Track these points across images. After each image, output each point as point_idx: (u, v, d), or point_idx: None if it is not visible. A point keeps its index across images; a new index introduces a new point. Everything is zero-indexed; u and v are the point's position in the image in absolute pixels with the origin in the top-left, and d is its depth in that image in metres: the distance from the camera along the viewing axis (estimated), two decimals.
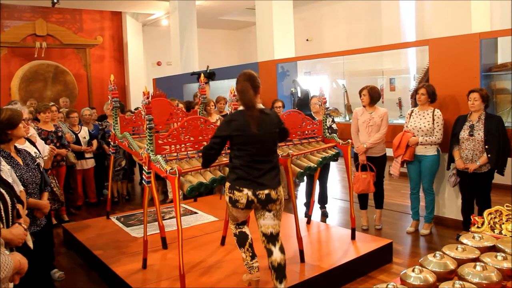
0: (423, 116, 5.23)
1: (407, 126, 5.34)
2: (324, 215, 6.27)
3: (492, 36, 5.13)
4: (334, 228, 5.47)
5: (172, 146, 3.84)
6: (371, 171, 5.45)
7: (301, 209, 6.27)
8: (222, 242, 4.70)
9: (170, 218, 5.73)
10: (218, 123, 5.32)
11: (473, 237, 2.36)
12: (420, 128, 5.18)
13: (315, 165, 4.26)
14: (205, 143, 3.94)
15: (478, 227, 2.63)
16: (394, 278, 4.15)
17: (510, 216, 2.54)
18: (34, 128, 5.58)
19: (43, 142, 5.05)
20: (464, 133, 4.93)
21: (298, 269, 4.04)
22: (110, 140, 5.62)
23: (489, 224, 2.59)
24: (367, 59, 8.11)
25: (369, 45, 7.36)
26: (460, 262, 2.10)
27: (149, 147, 3.79)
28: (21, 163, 3.38)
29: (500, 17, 6.40)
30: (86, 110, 7.67)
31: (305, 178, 6.27)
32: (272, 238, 3.48)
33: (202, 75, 5.46)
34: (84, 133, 7.12)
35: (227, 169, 3.73)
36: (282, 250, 3.48)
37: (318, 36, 12.41)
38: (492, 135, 4.74)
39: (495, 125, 4.76)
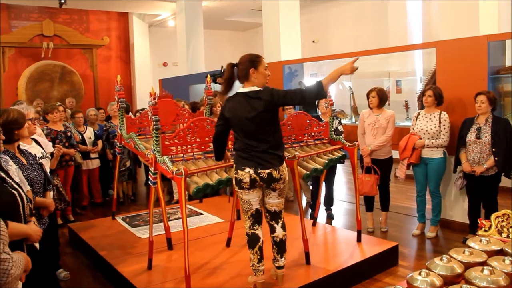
0: (430, 118, 5.21)
1: (413, 129, 5.33)
2: (330, 217, 6.26)
3: (500, 38, 5.11)
4: (339, 230, 5.46)
5: (179, 147, 3.85)
6: (375, 174, 5.43)
7: (307, 211, 6.27)
8: (228, 244, 4.70)
9: (175, 219, 5.73)
10: None
11: (480, 241, 2.34)
12: (426, 130, 5.16)
13: (322, 167, 4.25)
14: (211, 145, 3.95)
15: (485, 230, 2.61)
16: (400, 281, 4.16)
17: None
18: (41, 128, 5.59)
19: (45, 140, 5.06)
20: (471, 136, 4.90)
21: (303, 271, 4.02)
22: (116, 140, 5.63)
23: (496, 227, 2.57)
24: (373, 61, 8.10)
25: (376, 47, 7.34)
26: (467, 266, 2.09)
27: (156, 148, 3.79)
28: (26, 163, 3.40)
29: (508, 19, 6.37)
30: (92, 111, 7.69)
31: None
32: (275, 216, 3.66)
33: (209, 76, 5.46)
34: (89, 133, 7.13)
35: (233, 170, 3.74)
36: (283, 227, 3.68)
37: (324, 38, 12.40)
38: (499, 138, 4.71)
39: (503, 128, 4.74)
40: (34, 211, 3.07)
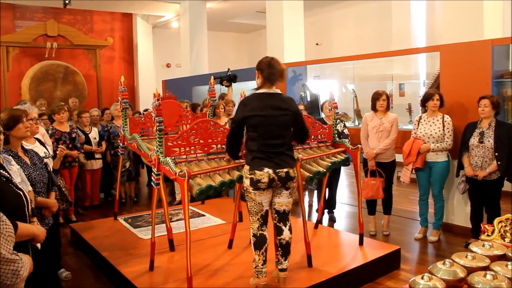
0: (433, 122, 5.20)
1: (415, 133, 5.32)
2: (332, 220, 6.25)
3: (505, 43, 5.10)
4: (341, 233, 5.46)
5: (182, 148, 3.85)
6: (380, 177, 5.42)
7: (313, 215, 6.26)
8: (230, 245, 4.70)
9: (177, 220, 5.74)
10: (227, 126, 5.32)
11: (483, 245, 2.33)
12: (431, 134, 5.16)
13: (324, 170, 4.25)
14: (214, 146, 3.95)
15: (488, 235, 2.60)
16: (402, 285, 4.16)
17: None
18: (45, 128, 5.60)
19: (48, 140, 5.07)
20: (474, 140, 4.90)
21: (305, 274, 4.02)
22: (119, 141, 5.63)
23: (499, 232, 2.56)
24: (376, 64, 8.08)
25: (379, 50, 7.35)
26: (470, 271, 2.08)
27: (159, 149, 3.79)
28: (29, 163, 3.41)
29: None
30: (95, 111, 7.71)
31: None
32: (284, 217, 3.67)
33: (212, 77, 5.46)
34: (94, 133, 7.15)
35: (236, 172, 3.74)
36: (290, 230, 3.70)
37: (328, 40, 12.40)
38: (502, 142, 4.71)
39: (506, 132, 4.73)
40: (35, 211, 3.08)
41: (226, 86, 5.16)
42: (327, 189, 5.95)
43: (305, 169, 4.16)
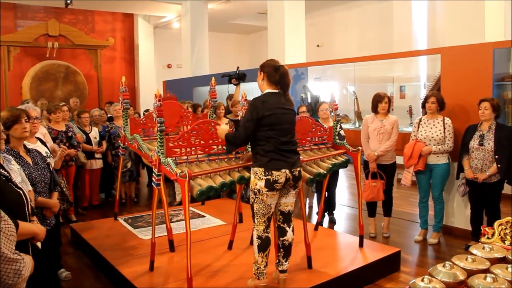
0: (434, 125, 5.21)
1: (415, 135, 5.32)
2: (332, 222, 6.25)
3: (506, 46, 5.10)
4: (341, 235, 5.46)
5: (183, 149, 3.85)
6: (381, 179, 5.43)
7: (313, 217, 6.26)
8: (230, 247, 4.70)
9: (177, 221, 5.74)
10: (228, 127, 5.31)
11: (483, 248, 2.34)
12: (432, 137, 5.16)
13: (325, 172, 4.25)
14: (215, 147, 3.95)
15: (488, 237, 2.61)
16: (401, 287, 4.16)
17: None
18: (45, 128, 5.61)
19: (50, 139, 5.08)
20: (474, 143, 4.90)
21: (305, 276, 4.02)
22: (120, 141, 5.63)
23: (499, 235, 2.57)
24: (377, 66, 8.09)
25: (380, 52, 7.36)
26: (470, 273, 2.08)
27: (160, 149, 3.79)
28: (31, 162, 3.41)
29: None
30: (96, 111, 7.72)
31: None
32: (288, 217, 3.71)
33: (213, 78, 5.46)
34: (94, 133, 7.16)
35: (236, 173, 3.74)
36: (293, 230, 3.75)
37: (329, 42, 12.41)
38: (502, 145, 4.71)
39: (506, 135, 4.74)
40: (36, 211, 3.08)
41: (235, 84, 5.17)
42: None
43: (305, 170, 4.16)
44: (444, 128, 5.14)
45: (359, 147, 4.63)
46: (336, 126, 4.78)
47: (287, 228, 3.69)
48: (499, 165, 4.70)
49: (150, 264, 4.19)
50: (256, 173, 3.51)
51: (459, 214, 5.53)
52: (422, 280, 2.00)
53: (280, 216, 3.69)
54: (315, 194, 6.92)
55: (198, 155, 3.92)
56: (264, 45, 10.56)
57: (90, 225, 5.84)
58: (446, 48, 5.52)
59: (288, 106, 3.63)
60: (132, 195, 7.76)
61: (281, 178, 3.46)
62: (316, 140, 4.65)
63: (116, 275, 4.25)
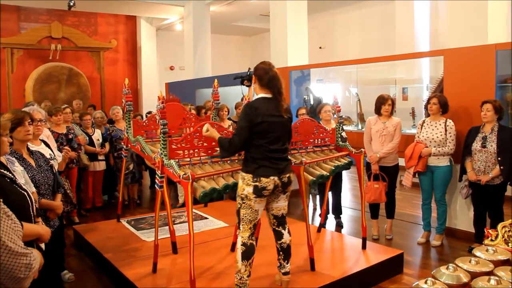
0: (435, 126, 5.20)
1: (418, 137, 5.32)
2: (339, 225, 6.22)
3: (509, 47, 5.08)
4: (344, 237, 5.46)
5: (186, 151, 3.85)
6: (383, 181, 5.42)
7: (317, 219, 6.26)
8: (232, 248, 4.69)
9: (180, 222, 5.74)
10: (231, 128, 5.32)
11: (487, 250, 2.34)
12: (432, 138, 5.16)
13: (328, 174, 4.25)
14: (217, 149, 3.95)
15: (491, 240, 2.60)
16: None
17: None
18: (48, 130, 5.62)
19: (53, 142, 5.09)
20: (476, 145, 4.90)
21: (308, 278, 4.02)
22: (122, 143, 5.65)
23: (503, 237, 2.56)
24: (380, 67, 8.10)
25: (383, 54, 7.34)
26: (474, 275, 2.08)
27: (163, 151, 3.80)
28: (34, 165, 3.42)
29: None
30: (98, 113, 7.74)
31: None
32: (282, 221, 3.69)
33: (216, 80, 5.47)
34: (97, 135, 7.18)
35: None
36: (289, 232, 3.72)
37: (331, 44, 12.41)
38: (505, 147, 4.71)
39: (508, 137, 4.73)
40: (40, 213, 3.09)
41: (247, 86, 5.19)
42: (330, 194, 5.96)
43: (308, 172, 4.16)
44: (446, 130, 5.13)
45: (361, 149, 4.63)
46: (339, 128, 4.78)
47: (283, 231, 3.68)
48: (501, 167, 4.69)
49: (153, 266, 4.20)
50: (244, 179, 3.47)
51: (462, 216, 5.52)
52: (426, 282, 2.00)
53: (274, 220, 3.68)
54: (318, 196, 6.92)
55: (201, 157, 3.93)
56: (266, 47, 10.57)
57: (93, 227, 5.85)
58: (449, 50, 5.52)
59: (281, 113, 3.53)
60: (135, 197, 7.77)
61: (269, 185, 3.44)
62: (319, 142, 4.65)
63: (119, 277, 4.26)
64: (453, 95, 5.31)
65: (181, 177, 3.47)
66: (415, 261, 4.98)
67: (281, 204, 3.65)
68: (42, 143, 4.20)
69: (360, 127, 7.52)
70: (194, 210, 6.22)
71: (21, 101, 9.98)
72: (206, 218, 5.99)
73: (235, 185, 3.66)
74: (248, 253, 3.49)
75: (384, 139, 5.40)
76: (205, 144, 3.90)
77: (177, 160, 3.79)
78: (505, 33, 5.46)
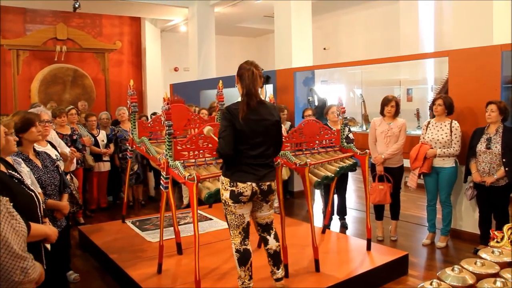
0: (441, 127, 5.20)
1: (423, 138, 5.31)
2: (344, 227, 6.21)
3: None
4: (349, 238, 5.45)
5: (191, 152, 3.86)
6: (388, 182, 5.42)
7: (318, 219, 6.24)
8: None
9: (185, 223, 5.75)
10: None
11: (493, 252, 2.33)
12: (438, 140, 5.15)
13: (333, 175, 4.25)
14: None
15: (497, 241, 2.60)
16: None
17: None
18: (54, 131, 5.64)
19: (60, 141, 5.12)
20: (481, 146, 4.89)
21: (313, 279, 4.02)
22: (127, 144, 5.66)
23: (509, 239, 2.56)
24: (384, 68, 8.10)
25: (387, 55, 7.34)
26: (479, 277, 2.08)
27: (168, 152, 3.81)
28: (40, 165, 3.44)
29: None
30: (104, 114, 7.77)
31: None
32: (267, 228, 3.61)
33: (221, 81, 5.47)
34: (102, 136, 7.21)
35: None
36: (276, 238, 3.62)
37: (335, 45, 12.41)
38: (509, 149, 4.69)
39: None
40: (48, 213, 3.11)
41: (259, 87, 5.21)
42: (335, 195, 5.95)
43: (313, 173, 4.16)
44: (451, 132, 5.12)
45: (366, 150, 4.63)
46: (344, 129, 4.78)
47: (268, 237, 3.59)
48: (506, 168, 4.68)
49: (158, 267, 4.21)
50: (223, 183, 3.39)
51: (467, 218, 5.51)
52: (431, 284, 2.00)
53: (259, 227, 3.62)
54: (322, 197, 6.91)
55: (206, 158, 3.94)
56: (270, 48, 10.58)
57: (98, 227, 5.87)
58: (454, 50, 5.51)
59: (270, 115, 3.41)
60: (140, 198, 7.78)
61: (246, 190, 3.31)
62: (324, 143, 4.65)
63: (124, 277, 4.27)
64: (458, 96, 5.30)
65: (186, 178, 3.48)
66: (420, 262, 4.97)
67: (264, 214, 3.54)
68: (49, 144, 4.22)
69: (364, 128, 7.52)
70: (199, 211, 6.22)
71: (27, 102, 10.01)
72: (211, 219, 5.99)
73: None
74: (244, 259, 3.44)
75: (389, 140, 5.40)
76: (210, 145, 3.91)
77: (182, 161, 3.80)
78: (510, 34, 5.44)
